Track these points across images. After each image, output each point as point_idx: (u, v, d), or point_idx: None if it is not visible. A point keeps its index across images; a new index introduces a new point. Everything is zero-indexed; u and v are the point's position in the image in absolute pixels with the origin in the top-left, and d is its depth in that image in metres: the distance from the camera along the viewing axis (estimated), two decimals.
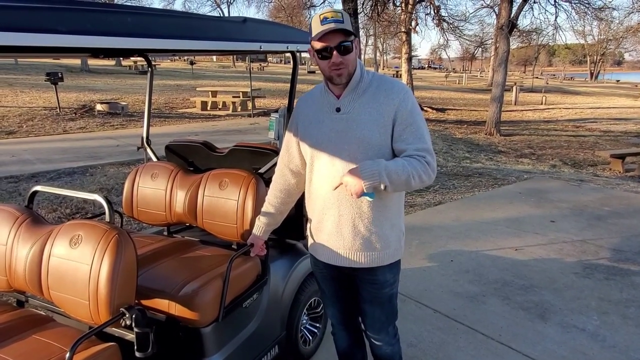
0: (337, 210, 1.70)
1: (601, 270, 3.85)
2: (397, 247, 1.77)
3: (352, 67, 1.61)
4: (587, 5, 14.66)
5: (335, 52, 1.55)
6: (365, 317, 1.91)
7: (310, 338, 2.65)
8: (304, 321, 2.59)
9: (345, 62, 1.57)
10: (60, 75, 12.34)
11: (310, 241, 1.90)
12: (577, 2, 14.49)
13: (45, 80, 12.73)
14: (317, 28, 1.54)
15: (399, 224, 1.78)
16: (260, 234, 2.01)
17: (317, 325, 2.71)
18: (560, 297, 3.39)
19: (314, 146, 1.72)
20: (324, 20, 1.53)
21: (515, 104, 22.88)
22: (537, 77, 49.78)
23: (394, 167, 1.52)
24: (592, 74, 61.10)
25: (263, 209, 2.00)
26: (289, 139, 1.86)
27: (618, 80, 58.42)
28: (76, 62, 27.00)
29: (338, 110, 1.66)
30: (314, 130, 1.72)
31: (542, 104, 23.45)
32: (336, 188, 1.63)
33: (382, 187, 1.51)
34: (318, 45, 1.56)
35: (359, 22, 14.73)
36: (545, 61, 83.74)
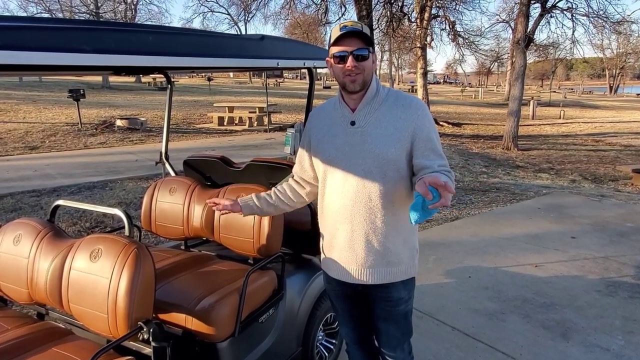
0: (350, 225, 1.68)
1: (625, 288, 3.74)
2: (410, 264, 1.75)
3: (367, 75, 1.60)
4: (605, 19, 14.52)
5: (350, 57, 1.55)
6: (379, 335, 1.88)
7: (326, 354, 2.63)
8: (320, 337, 2.57)
9: (360, 68, 1.57)
10: (82, 92, 12.66)
11: (322, 257, 1.88)
12: (594, 16, 14.36)
13: (67, 97, 13.08)
14: (336, 34, 1.57)
15: (412, 241, 1.76)
16: (240, 203, 1.87)
17: (333, 341, 2.68)
18: (582, 316, 3.30)
19: (327, 160, 1.71)
20: (343, 28, 1.56)
21: (532, 118, 22.65)
22: (554, 91, 49.28)
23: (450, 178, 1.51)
24: (611, 87, 60.27)
25: (264, 194, 1.92)
26: (302, 152, 1.87)
27: (638, 94, 57.44)
28: (97, 79, 27.70)
29: (353, 123, 1.66)
30: (327, 144, 1.71)
31: (560, 118, 23.16)
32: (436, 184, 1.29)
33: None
34: (335, 49, 1.58)
35: (375, 38, 14.84)
36: (563, 75, 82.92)
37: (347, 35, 1.55)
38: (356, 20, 1.76)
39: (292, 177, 1.96)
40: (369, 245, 1.68)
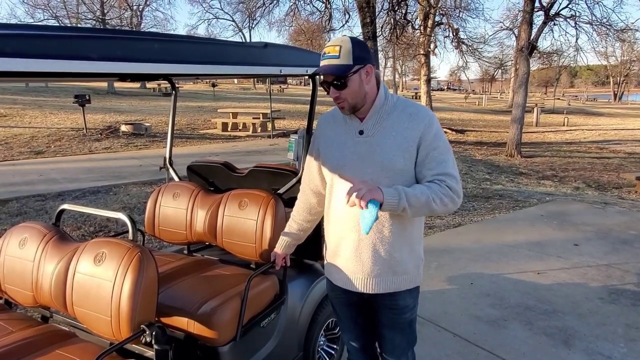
0: (357, 234, 1.68)
1: (627, 296, 3.73)
2: (415, 273, 1.76)
3: (354, 99, 1.61)
4: (608, 27, 14.52)
5: (331, 88, 1.59)
6: (384, 343, 1.88)
7: None
8: (321, 342, 2.58)
9: (343, 96, 1.60)
10: (87, 98, 12.75)
11: (326, 264, 1.89)
12: (598, 24, 14.36)
13: (73, 102, 13.16)
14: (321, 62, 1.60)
15: (418, 250, 1.76)
16: (282, 249, 2.04)
17: (335, 346, 2.69)
18: (584, 323, 3.29)
19: (334, 168, 1.72)
20: (323, 56, 1.58)
21: (536, 125, 22.61)
22: (558, 98, 49.22)
23: (413, 192, 1.52)
24: (615, 95, 60.15)
25: (287, 225, 2.04)
26: (310, 160, 1.88)
27: None
28: (103, 84, 27.87)
29: (361, 133, 1.66)
30: (335, 152, 1.72)
31: (564, 125, 23.12)
32: (349, 198, 1.46)
33: (401, 209, 1.51)
34: (321, 78, 1.63)
35: (378, 44, 14.90)
36: (567, 82, 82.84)
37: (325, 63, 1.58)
38: (335, 42, 1.66)
39: (300, 190, 1.99)
40: (375, 255, 1.68)
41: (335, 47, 1.56)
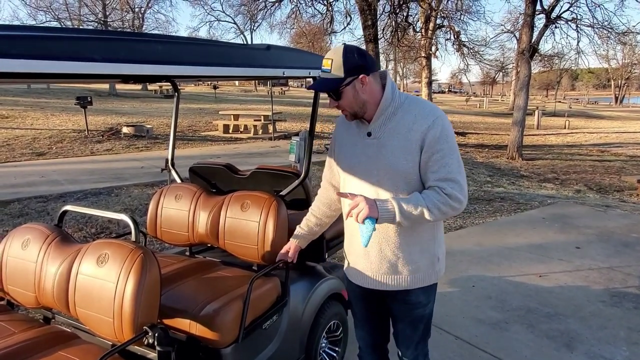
0: None
1: (629, 299, 3.72)
2: (430, 271, 1.76)
3: (353, 107, 1.63)
4: (609, 30, 14.52)
5: (330, 98, 1.64)
6: (397, 335, 1.92)
7: None
8: (323, 344, 2.58)
9: (342, 105, 1.63)
10: (89, 99, 12.75)
11: (344, 260, 1.94)
12: (599, 27, 14.36)
13: (75, 104, 13.16)
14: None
15: (432, 248, 1.75)
16: (296, 240, 2.05)
17: (337, 349, 2.69)
18: (586, 326, 3.29)
19: (345, 168, 1.77)
20: (321, 68, 1.63)
21: (537, 128, 22.60)
22: (559, 101, 49.21)
23: (408, 205, 1.53)
24: (616, 98, 60.11)
25: (305, 219, 2.05)
26: (330, 156, 1.93)
27: None
28: (104, 86, 27.89)
29: (369, 134, 1.68)
30: (347, 153, 1.77)
31: (565, 128, 23.10)
32: (349, 213, 1.54)
33: (397, 223, 1.55)
34: None
35: (379, 47, 14.91)
36: (568, 85, 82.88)
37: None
38: (330, 54, 1.63)
39: (321, 186, 2.01)
40: (381, 255, 1.71)
41: (328, 61, 1.59)
